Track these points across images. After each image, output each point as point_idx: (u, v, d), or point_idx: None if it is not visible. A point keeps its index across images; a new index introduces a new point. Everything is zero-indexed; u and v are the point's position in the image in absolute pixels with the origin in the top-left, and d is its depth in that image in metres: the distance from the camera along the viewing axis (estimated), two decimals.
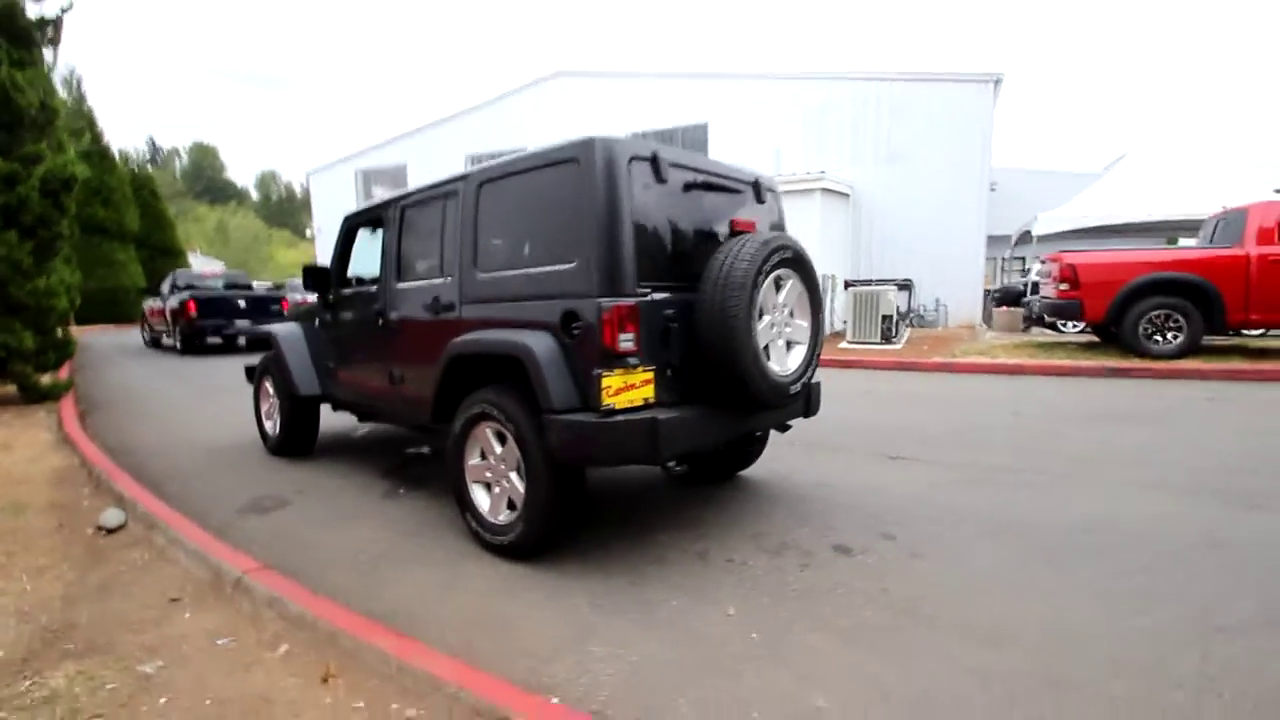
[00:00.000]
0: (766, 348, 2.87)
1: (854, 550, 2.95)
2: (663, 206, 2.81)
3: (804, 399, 3.32)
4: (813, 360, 3.11)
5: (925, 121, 15.31)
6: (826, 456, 4.49)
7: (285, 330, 4.78)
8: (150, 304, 14.16)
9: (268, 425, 5.12)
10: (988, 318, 15.31)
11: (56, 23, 6.98)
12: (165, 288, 13.41)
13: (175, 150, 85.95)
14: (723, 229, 3.10)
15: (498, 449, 2.94)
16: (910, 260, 15.37)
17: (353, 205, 24.99)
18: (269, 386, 5.05)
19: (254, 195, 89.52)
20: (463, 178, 3.23)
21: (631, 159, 2.66)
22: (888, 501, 3.57)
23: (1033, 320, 12.02)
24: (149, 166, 47.93)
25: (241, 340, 12.13)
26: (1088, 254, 8.18)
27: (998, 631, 2.24)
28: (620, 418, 2.51)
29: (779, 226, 3.53)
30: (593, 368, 2.55)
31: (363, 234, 4.32)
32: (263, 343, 5.28)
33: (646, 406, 2.62)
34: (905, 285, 14.78)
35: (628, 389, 2.56)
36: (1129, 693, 1.89)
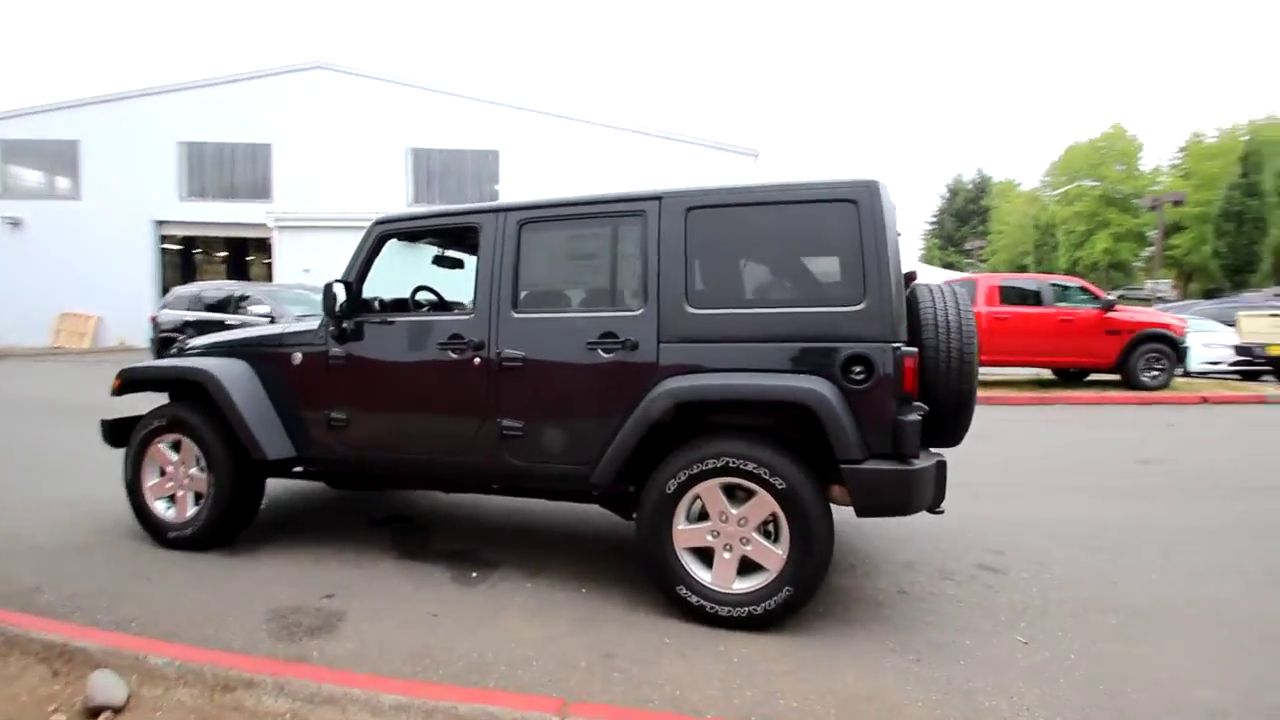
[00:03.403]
0: None
1: (999, 569, 3.33)
2: None
3: None
4: None
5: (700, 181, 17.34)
6: None
7: (227, 370, 3.40)
8: None
9: (159, 507, 3.55)
10: None
11: None
12: None
13: None
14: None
15: (732, 510, 2.63)
16: None
17: None
18: (167, 451, 3.51)
19: None
20: (654, 198, 2.83)
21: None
22: (947, 521, 4.05)
23: None
24: None
25: None
26: None
27: (1198, 608, 2.84)
28: (919, 464, 2.50)
29: None
30: (886, 413, 2.50)
31: (392, 249, 3.37)
32: (149, 385, 3.69)
33: None
34: None
35: None
36: None
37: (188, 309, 10.93)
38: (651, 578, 2.75)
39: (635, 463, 2.74)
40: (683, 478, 2.63)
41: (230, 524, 3.46)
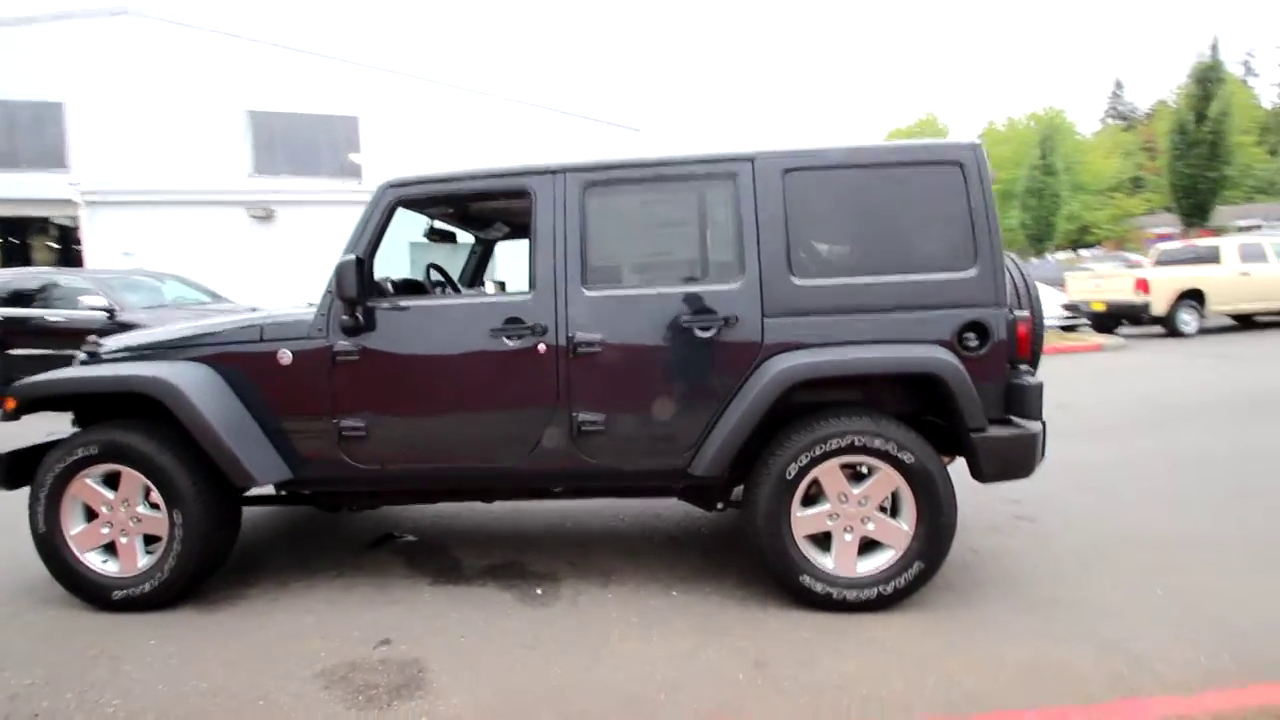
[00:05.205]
0: None
1: (1030, 517, 3.53)
2: None
3: None
4: None
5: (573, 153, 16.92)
6: None
7: (186, 377, 2.65)
8: None
9: (93, 560, 2.73)
10: None
11: None
12: None
13: None
14: None
15: (852, 489, 2.50)
16: None
17: None
18: (98, 488, 2.70)
19: None
20: (746, 159, 2.56)
21: None
22: None
23: None
24: None
25: None
26: None
27: (1206, 533, 3.17)
28: (1035, 427, 2.52)
29: None
30: (1001, 379, 2.51)
31: (405, 219, 2.79)
32: (57, 403, 2.82)
33: None
34: None
35: None
36: None
37: None
38: (770, 570, 2.56)
39: (747, 449, 2.52)
40: (804, 461, 2.45)
41: (203, 570, 2.74)
